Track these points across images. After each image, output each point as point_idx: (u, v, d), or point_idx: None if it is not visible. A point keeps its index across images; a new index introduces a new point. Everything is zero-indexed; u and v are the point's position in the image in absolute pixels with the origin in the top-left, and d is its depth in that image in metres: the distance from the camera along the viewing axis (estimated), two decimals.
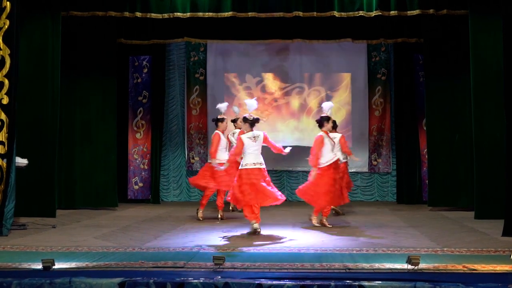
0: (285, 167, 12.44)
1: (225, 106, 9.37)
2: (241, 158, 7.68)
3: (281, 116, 12.47)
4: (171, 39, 11.65)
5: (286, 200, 12.10)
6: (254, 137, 7.62)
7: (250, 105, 7.82)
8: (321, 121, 8.44)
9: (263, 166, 7.64)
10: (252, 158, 7.57)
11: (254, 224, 7.54)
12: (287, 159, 12.34)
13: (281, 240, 7.14)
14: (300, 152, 12.39)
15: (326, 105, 8.70)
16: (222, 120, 9.14)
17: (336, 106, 12.37)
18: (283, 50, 12.40)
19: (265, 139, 7.69)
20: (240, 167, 7.61)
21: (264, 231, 7.78)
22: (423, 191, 11.40)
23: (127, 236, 7.46)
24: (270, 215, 9.64)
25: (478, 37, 9.06)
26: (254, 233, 7.50)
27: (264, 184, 7.53)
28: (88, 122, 10.51)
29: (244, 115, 7.79)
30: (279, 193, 7.67)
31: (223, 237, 7.36)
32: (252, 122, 7.66)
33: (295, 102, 12.45)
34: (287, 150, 7.95)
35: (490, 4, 8.84)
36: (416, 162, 11.60)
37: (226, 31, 11.34)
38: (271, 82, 12.49)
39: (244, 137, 7.64)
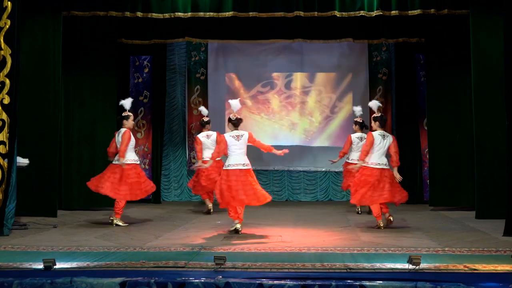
0: (286, 167, 12.44)
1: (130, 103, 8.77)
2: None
3: (282, 115, 12.46)
4: (172, 39, 11.63)
5: (286, 200, 12.34)
6: (238, 135, 7.64)
7: (234, 106, 7.78)
8: (383, 120, 8.30)
9: (248, 167, 7.61)
10: (234, 159, 7.58)
11: (237, 225, 7.61)
12: (288, 159, 12.38)
13: (282, 240, 7.14)
14: (300, 152, 12.43)
15: (374, 104, 8.46)
16: (127, 117, 8.63)
17: (337, 106, 12.41)
18: (284, 50, 12.39)
19: (251, 139, 7.66)
20: (224, 168, 7.67)
21: (265, 231, 7.79)
22: (424, 191, 11.39)
23: (128, 236, 7.47)
24: (271, 214, 9.65)
25: (479, 37, 9.05)
26: (236, 232, 7.57)
27: (244, 185, 7.49)
28: (89, 121, 10.49)
29: (229, 116, 7.84)
30: (263, 193, 7.58)
31: (224, 237, 7.36)
32: (235, 122, 7.72)
33: (295, 102, 12.44)
34: (280, 152, 7.75)
35: (491, 4, 8.83)
36: (417, 162, 11.59)
37: (227, 31, 11.33)
38: (271, 82, 12.48)
39: (227, 135, 7.69)
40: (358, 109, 10.17)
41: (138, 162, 8.69)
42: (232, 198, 7.49)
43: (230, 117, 7.77)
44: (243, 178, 7.52)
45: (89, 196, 10.40)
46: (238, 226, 7.61)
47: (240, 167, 7.54)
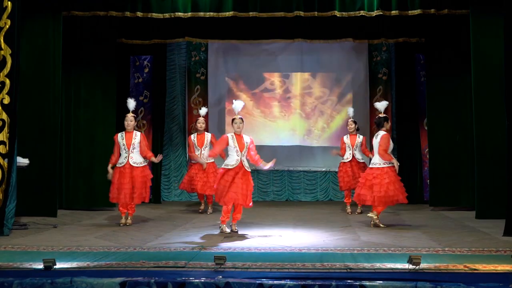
0: (286, 167, 12.43)
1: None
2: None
3: (282, 115, 12.46)
4: (172, 39, 11.63)
5: (286, 200, 12.34)
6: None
7: (235, 107, 7.76)
8: (380, 122, 8.32)
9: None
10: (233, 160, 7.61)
11: (226, 227, 7.69)
12: (288, 159, 12.38)
13: (282, 240, 7.14)
14: (300, 152, 12.43)
15: (381, 105, 8.52)
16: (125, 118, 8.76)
17: (337, 106, 12.41)
18: (284, 50, 12.38)
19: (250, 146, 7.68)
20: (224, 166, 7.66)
21: (265, 231, 7.79)
22: (424, 191, 11.40)
23: (128, 236, 7.47)
24: (271, 214, 9.65)
25: (479, 36, 9.05)
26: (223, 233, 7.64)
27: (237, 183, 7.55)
28: (89, 121, 10.48)
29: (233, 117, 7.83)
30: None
31: (224, 237, 7.36)
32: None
33: (296, 102, 12.43)
34: (267, 166, 7.83)
35: (491, 4, 8.83)
36: (417, 162, 11.59)
37: (227, 31, 11.33)
38: (272, 82, 12.48)
39: (229, 135, 7.71)
40: (351, 110, 10.39)
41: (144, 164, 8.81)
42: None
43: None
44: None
45: (89, 196, 10.43)
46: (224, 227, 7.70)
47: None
